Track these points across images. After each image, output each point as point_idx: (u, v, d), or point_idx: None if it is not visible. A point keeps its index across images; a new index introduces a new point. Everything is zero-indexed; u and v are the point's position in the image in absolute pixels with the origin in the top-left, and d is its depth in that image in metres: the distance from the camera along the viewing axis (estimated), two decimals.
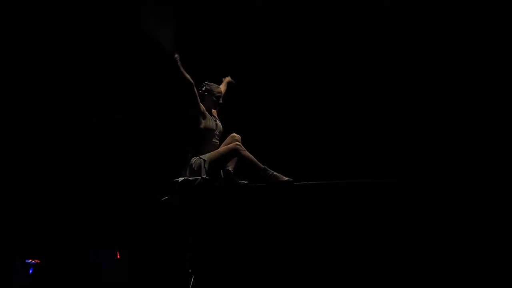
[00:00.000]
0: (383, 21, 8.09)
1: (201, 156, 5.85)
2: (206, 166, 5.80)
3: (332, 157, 7.94)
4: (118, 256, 8.31)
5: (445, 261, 6.59)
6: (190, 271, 6.13)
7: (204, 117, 5.93)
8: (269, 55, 8.31)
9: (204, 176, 5.78)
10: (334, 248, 6.79)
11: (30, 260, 8.17)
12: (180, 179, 5.89)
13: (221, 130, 6.08)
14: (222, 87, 6.40)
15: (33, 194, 8.50)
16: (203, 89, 6.07)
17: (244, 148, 5.83)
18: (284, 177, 5.84)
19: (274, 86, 8.29)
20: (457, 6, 7.83)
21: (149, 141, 8.51)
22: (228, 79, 6.63)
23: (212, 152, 5.86)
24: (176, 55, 5.76)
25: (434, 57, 7.97)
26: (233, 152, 5.81)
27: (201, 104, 5.93)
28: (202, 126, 5.92)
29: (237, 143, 5.85)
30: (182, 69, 5.74)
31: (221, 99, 6.10)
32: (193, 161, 5.87)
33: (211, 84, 6.12)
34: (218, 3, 8.30)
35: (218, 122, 6.08)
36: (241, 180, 6.04)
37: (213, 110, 6.14)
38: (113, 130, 8.61)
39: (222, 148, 5.88)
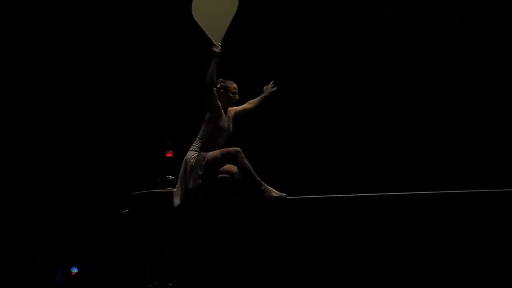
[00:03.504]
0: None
1: (201, 152, 5.79)
2: (204, 163, 5.73)
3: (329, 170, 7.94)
4: (73, 273, 8.36)
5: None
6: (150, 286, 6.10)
7: (220, 115, 5.86)
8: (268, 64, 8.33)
9: (200, 173, 5.70)
10: (325, 264, 6.78)
11: None
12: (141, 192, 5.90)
13: (231, 132, 5.99)
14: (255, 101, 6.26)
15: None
16: (218, 86, 5.86)
17: (244, 156, 5.74)
18: (277, 192, 5.75)
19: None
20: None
21: (148, 141, 8.50)
22: (266, 92, 6.39)
23: (212, 152, 5.79)
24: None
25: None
26: (232, 156, 5.69)
27: (218, 103, 5.88)
28: (214, 123, 5.85)
29: (239, 149, 5.78)
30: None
31: (236, 95, 6.01)
32: (192, 155, 5.79)
33: (225, 80, 5.98)
34: None
35: (230, 123, 5.97)
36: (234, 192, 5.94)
37: (229, 108, 6.06)
38: (113, 130, 8.59)
39: (223, 149, 5.80)
